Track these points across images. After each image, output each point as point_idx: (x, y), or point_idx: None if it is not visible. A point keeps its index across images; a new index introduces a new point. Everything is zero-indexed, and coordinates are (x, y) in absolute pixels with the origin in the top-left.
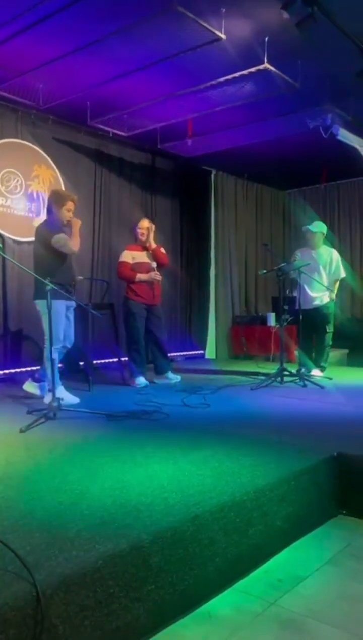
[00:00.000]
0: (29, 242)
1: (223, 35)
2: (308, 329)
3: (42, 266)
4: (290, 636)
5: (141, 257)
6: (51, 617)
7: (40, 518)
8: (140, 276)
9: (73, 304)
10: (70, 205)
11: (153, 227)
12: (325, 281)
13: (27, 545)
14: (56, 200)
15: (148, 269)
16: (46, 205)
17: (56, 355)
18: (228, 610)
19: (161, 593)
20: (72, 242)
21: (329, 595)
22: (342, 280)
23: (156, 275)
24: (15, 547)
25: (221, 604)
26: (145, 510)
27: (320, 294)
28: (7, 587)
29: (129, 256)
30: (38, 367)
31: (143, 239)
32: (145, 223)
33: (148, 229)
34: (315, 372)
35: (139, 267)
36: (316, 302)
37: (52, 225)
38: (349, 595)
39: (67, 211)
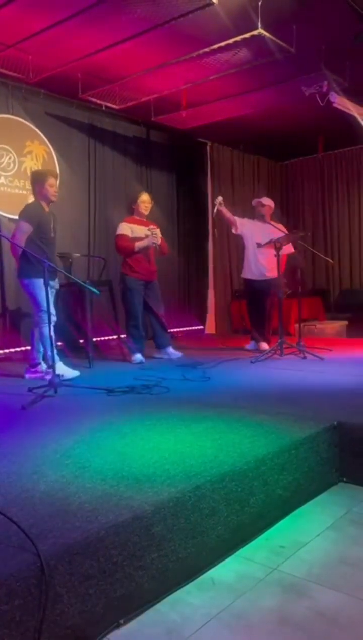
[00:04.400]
0: None
1: None
2: (256, 301)
3: (31, 246)
4: (292, 599)
5: (141, 231)
6: (55, 586)
7: (42, 491)
8: (139, 244)
9: (56, 284)
10: (52, 180)
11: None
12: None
13: (30, 517)
14: (37, 179)
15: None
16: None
17: (53, 332)
18: (230, 576)
19: (164, 561)
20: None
21: (330, 560)
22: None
23: (155, 238)
24: (18, 520)
25: (224, 570)
26: (147, 482)
27: (273, 265)
28: (11, 558)
29: (128, 229)
30: (28, 348)
31: (147, 212)
32: (148, 196)
33: (150, 202)
34: (263, 346)
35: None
36: (269, 274)
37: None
38: (349, 559)
39: (50, 187)
